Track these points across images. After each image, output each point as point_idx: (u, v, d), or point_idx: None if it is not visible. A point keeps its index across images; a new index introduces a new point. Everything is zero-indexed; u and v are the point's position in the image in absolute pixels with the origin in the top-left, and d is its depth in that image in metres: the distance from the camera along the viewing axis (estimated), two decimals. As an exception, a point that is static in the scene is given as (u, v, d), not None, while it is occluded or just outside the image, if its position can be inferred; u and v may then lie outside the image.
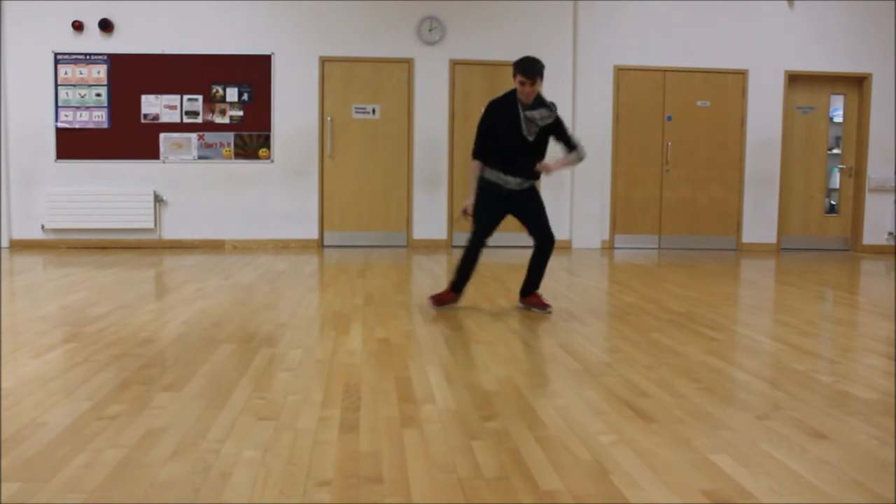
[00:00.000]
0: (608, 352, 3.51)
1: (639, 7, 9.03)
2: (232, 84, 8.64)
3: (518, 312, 4.51)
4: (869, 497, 1.89)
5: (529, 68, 4.33)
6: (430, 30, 8.78)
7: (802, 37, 9.21)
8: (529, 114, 4.43)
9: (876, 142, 9.39)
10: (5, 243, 8.51)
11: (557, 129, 4.57)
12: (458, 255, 7.97)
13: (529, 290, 4.69)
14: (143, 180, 8.60)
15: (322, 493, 1.86)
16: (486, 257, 7.73)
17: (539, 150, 4.55)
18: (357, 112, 8.82)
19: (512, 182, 4.53)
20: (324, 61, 8.74)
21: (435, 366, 3.18)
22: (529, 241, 4.66)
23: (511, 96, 4.48)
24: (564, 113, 9.00)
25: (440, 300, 4.68)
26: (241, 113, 8.66)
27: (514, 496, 1.86)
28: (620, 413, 2.54)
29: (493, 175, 4.55)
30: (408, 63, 8.81)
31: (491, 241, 4.64)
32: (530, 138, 4.46)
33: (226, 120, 8.65)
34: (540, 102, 4.47)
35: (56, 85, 8.48)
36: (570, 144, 4.64)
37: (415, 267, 6.89)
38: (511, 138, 4.46)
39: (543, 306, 4.61)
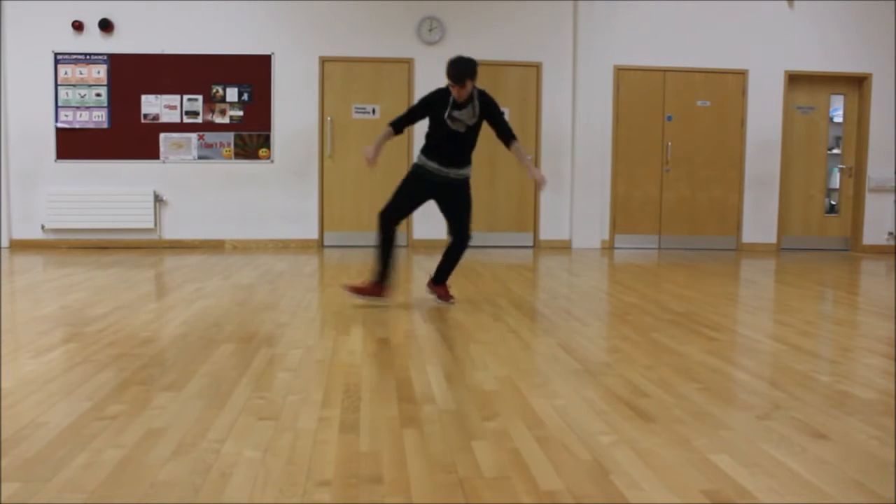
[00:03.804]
0: (608, 352, 3.51)
1: (639, 7, 9.03)
2: (232, 84, 8.64)
3: (518, 312, 4.51)
4: (869, 497, 1.89)
5: (456, 73, 4.45)
6: (430, 30, 8.78)
7: (802, 37, 9.22)
8: (457, 114, 4.55)
9: (876, 142, 9.39)
10: (5, 243, 8.51)
11: (491, 118, 4.66)
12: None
13: (439, 280, 4.86)
14: (143, 180, 8.60)
15: (322, 493, 1.86)
16: (485, 257, 7.73)
17: (470, 142, 4.67)
18: (357, 112, 8.82)
19: (443, 172, 4.65)
20: (324, 61, 8.74)
21: (435, 366, 3.18)
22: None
23: (445, 102, 4.59)
24: (564, 113, 9.03)
25: (359, 291, 4.69)
26: (241, 113, 8.66)
27: (514, 496, 1.86)
28: (620, 413, 2.54)
29: (427, 164, 4.68)
30: (408, 63, 8.81)
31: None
32: (462, 130, 4.59)
33: (226, 120, 8.65)
34: (470, 100, 4.57)
35: (56, 85, 8.48)
36: (503, 132, 4.71)
37: (415, 267, 6.89)
38: (441, 131, 4.61)
39: (447, 298, 4.81)
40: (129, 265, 6.82)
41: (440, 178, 4.67)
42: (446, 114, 4.55)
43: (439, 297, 4.84)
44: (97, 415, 2.45)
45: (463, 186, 4.73)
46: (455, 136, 4.60)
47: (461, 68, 4.44)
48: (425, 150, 4.70)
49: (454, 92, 4.51)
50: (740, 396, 2.78)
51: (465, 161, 4.70)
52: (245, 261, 7.23)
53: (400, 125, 4.69)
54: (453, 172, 4.67)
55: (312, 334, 3.80)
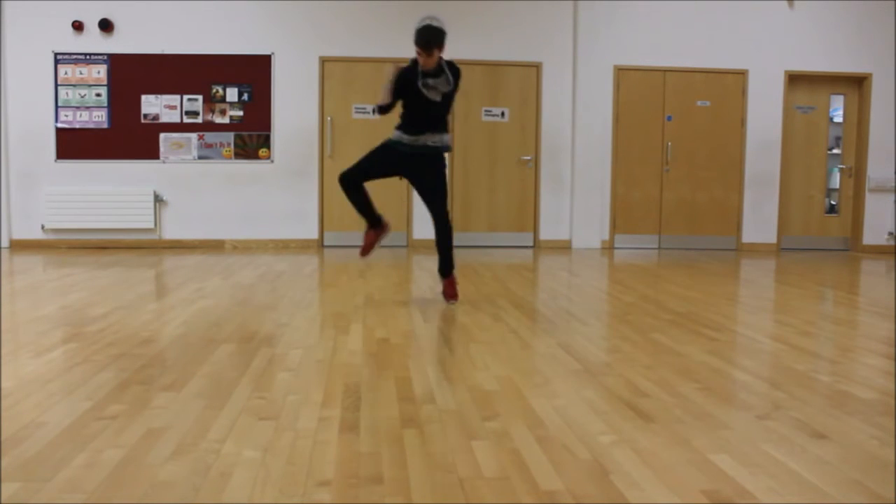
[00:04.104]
0: (608, 352, 3.51)
1: (639, 7, 9.03)
2: (232, 84, 8.64)
3: (518, 312, 4.51)
4: (869, 497, 1.89)
5: (425, 41, 4.42)
6: (430, 30, 8.77)
7: (802, 37, 9.21)
8: (432, 81, 4.55)
9: (876, 142, 9.40)
10: (5, 243, 8.51)
11: (456, 87, 4.68)
12: (458, 254, 7.98)
13: (445, 272, 4.82)
14: (143, 180, 8.60)
15: (322, 493, 1.86)
16: (485, 257, 7.74)
17: (446, 109, 4.68)
18: (357, 112, 8.83)
19: (415, 140, 4.62)
20: (324, 61, 8.74)
21: (435, 366, 3.18)
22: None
23: (414, 65, 4.58)
24: (564, 113, 9.03)
25: (368, 246, 4.82)
26: (241, 113, 8.66)
27: (514, 496, 1.86)
28: (620, 413, 2.54)
29: (398, 135, 4.68)
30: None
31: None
32: (437, 99, 4.58)
33: (226, 120, 8.65)
34: (440, 69, 4.57)
35: (56, 85, 8.48)
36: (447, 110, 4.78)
37: (415, 267, 6.89)
38: (417, 103, 4.58)
39: (450, 297, 4.77)
40: (129, 265, 6.82)
41: (415, 149, 4.63)
42: (419, 83, 4.53)
43: (444, 293, 4.80)
44: (97, 415, 2.45)
45: (437, 158, 4.70)
46: (431, 106, 4.57)
47: (430, 36, 4.41)
48: (399, 126, 4.67)
49: (421, 60, 4.48)
50: (740, 396, 2.78)
51: (444, 126, 4.69)
52: (245, 261, 7.23)
53: (385, 110, 4.62)
54: (430, 139, 4.63)
55: (312, 334, 3.80)
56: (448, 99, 4.64)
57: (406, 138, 4.64)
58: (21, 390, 2.72)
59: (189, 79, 8.59)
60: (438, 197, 4.73)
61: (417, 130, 4.62)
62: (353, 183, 4.70)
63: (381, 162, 4.71)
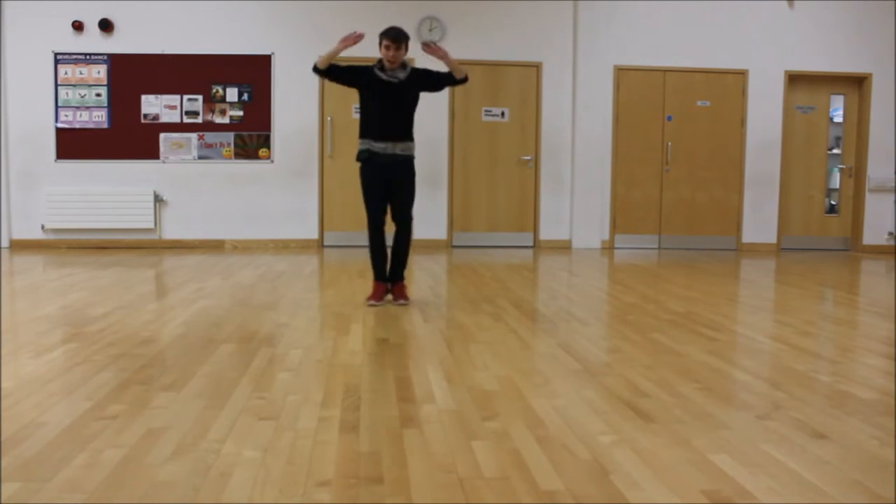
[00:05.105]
0: (608, 352, 3.51)
1: (639, 7, 9.03)
2: (232, 84, 8.64)
3: (518, 312, 4.51)
4: (869, 497, 1.89)
5: (396, 34, 4.57)
6: (430, 30, 8.78)
7: (802, 37, 9.21)
8: (388, 75, 4.61)
9: (876, 142, 9.39)
10: (5, 243, 8.51)
11: (426, 77, 4.75)
12: (458, 254, 7.99)
13: (393, 278, 4.80)
14: (143, 180, 8.60)
15: (322, 493, 1.86)
16: (485, 257, 7.74)
17: (405, 107, 4.69)
18: (357, 112, 8.79)
19: (380, 147, 4.64)
20: (324, 61, 8.73)
21: (435, 366, 3.18)
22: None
23: (373, 67, 4.68)
24: (564, 113, 9.03)
25: (377, 297, 4.72)
26: (241, 113, 8.66)
27: (514, 496, 1.86)
28: (620, 413, 2.54)
29: (366, 144, 4.68)
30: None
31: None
32: (395, 82, 4.62)
33: (226, 120, 8.65)
34: (402, 68, 4.66)
35: (56, 85, 8.48)
36: (441, 77, 4.78)
37: (415, 267, 6.89)
38: (373, 94, 4.63)
39: (400, 297, 4.73)
40: (129, 265, 6.82)
41: (386, 158, 4.64)
42: (376, 70, 4.61)
43: (395, 297, 4.75)
44: (97, 415, 2.45)
45: (408, 164, 4.71)
46: (388, 94, 4.58)
47: (400, 31, 4.59)
48: (362, 132, 4.69)
49: (388, 55, 4.55)
50: (740, 396, 2.78)
51: (405, 132, 4.68)
52: (245, 261, 7.23)
53: (324, 70, 4.67)
54: (396, 147, 4.64)
55: (312, 334, 3.80)
56: (406, 90, 4.63)
57: (376, 146, 4.63)
58: (21, 390, 2.72)
59: (189, 79, 8.59)
60: (407, 203, 4.72)
61: (381, 136, 4.62)
62: (379, 227, 4.68)
63: (376, 186, 4.68)
